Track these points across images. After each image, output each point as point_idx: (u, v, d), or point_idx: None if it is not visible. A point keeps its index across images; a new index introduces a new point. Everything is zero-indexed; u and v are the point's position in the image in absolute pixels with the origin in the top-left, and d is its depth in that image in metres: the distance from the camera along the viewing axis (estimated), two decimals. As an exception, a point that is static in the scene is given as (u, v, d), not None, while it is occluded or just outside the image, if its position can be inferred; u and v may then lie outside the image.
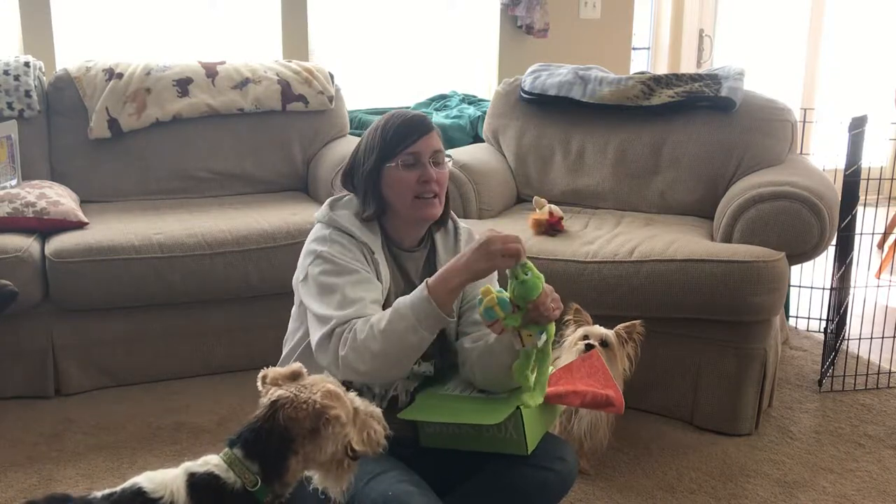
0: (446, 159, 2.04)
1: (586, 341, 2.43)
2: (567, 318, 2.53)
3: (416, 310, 1.79)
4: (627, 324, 2.51)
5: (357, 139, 4.17)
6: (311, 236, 2.03)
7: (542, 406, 1.98)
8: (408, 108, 4.53)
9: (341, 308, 1.88)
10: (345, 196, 2.09)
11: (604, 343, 2.45)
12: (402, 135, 1.98)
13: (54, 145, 3.63)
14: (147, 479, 1.53)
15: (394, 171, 1.97)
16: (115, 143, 3.63)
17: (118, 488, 1.53)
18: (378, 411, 1.64)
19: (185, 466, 1.55)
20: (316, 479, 1.62)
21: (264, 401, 1.58)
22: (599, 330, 2.48)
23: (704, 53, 5.79)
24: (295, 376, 1.62)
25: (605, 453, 2.63)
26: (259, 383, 1.63)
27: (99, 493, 1.52)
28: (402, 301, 1.83)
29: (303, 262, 2.01)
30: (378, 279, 1.97)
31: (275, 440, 1.53)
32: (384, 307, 1.95)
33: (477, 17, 5.01)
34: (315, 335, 1.91)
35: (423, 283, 1.82)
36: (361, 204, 2.03)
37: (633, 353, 2.52)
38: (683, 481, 2.52)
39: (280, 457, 1.53)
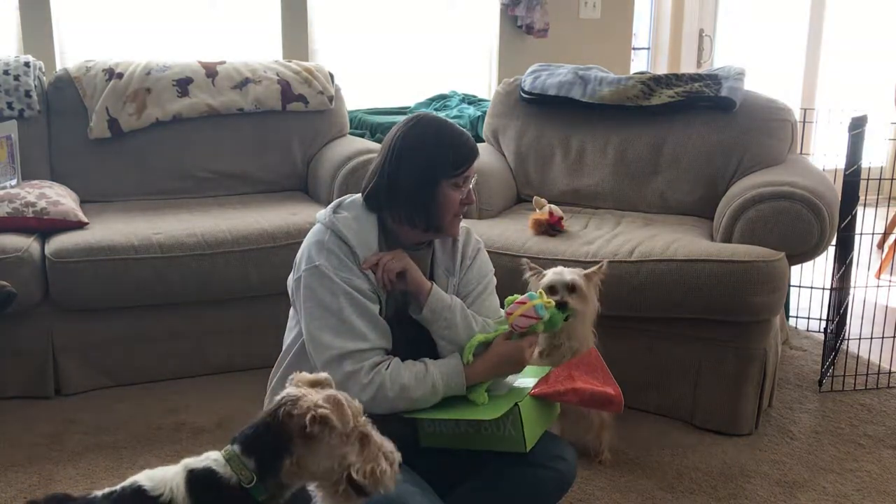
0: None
1: (555, 297, 2.38)
2: (526, 276, 2.55)
3: (448, 387, 1.95)
4: (593, 269, 2.52)
5: (357, 139, 4.17)
6: (309, 236, 2.03)
7: (541, 404, 1.99)
8: (407, 108, 4.52)
9: (339, 336, 1.90)
10: (347, 198, 2.09)
11: (572, 289, 2.44)
12: (466, 155, 2.00)
13: (54, 145, 3.63)
14: (146, 478, 1.52)
15: (447, 188, 1.99)
16: (115, 143, 3.63)
17: (118, 487, 1.53)
18: (392, 449, 1.58)
19: (184, 463, 1.55)
20: (318, 499, 1.60)
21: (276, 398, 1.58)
22: (564, 277, 2.46)
23: (704, 53, 5.79)
24: (316, 383, 1.60)
25: (605, 453, 2.64)
26: (288, 383, 1.63)
27: (99, 493, 1.52)
28: (436, 377, 1.94)
29: (299, 263, 2.01)
30: (374, 291, 1.97)
31: (271, 437, 1.52)
32: (383, 312, 1.99)
33: (477, 17, 5.01)
34: (317, 357, 1.93)
35: (461, 368, 1.96)
36: (408, 217, 2.00)
37: (597, 290, 2.53)
38: (683, 481, 2.52)
39: (274, 454, 1.52)
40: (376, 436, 1.58)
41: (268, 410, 1.55)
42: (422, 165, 1.98)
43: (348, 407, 1.56)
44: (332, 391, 1.58)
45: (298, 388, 1.57)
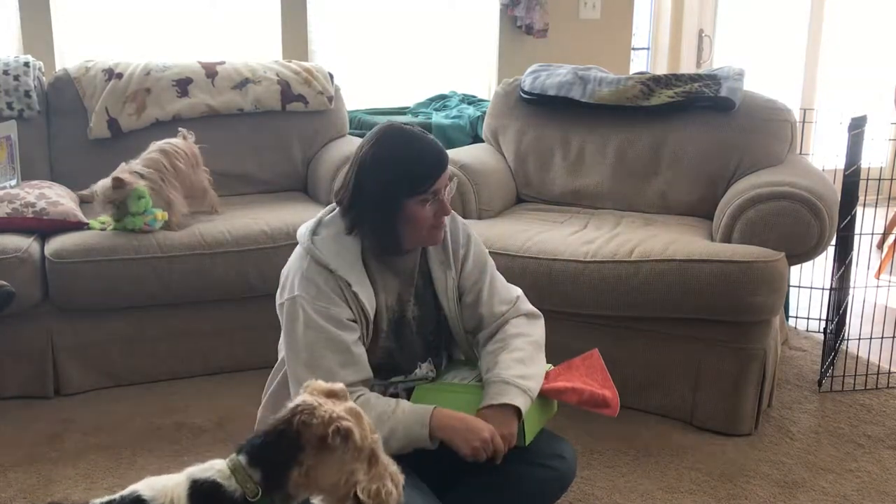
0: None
1: None
2: None
3: (408, 438, 1.87)
4: None
5: (357, 139, 4.18)
6: (291, 260, 2.00)
7: (540, 400, 2.00)
8: (407, 108, 4.52)
9: (310, 371, 1.86)
10: (328, 213, 2.04)
11: None
12: (428, 171, 1.92)
13: (54, 145, 3.63)
14: (147, 487, 1.48)
15: (414, 205, 1.92)
16: (114, 143, 3.63)
17: (116, 496, 1.48)
18: (397, 471, 1.55)
19: (188, 473, 1.50)
20: None
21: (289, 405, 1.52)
22: None
23: (704, 53, 5.79)
24: (332, 394, 1.55)
25: (605, 454, 2.63)
26: (302, 389, 1.58)
27: (97, 501, 1.48)
28: (398, 423, 1.86)
29: (282, 289, 1.98)
30: (362, 314, 1.95)
31: (283, 446, 1.47)
32: (373, 326, 1.97)
33: (477, 17, 5.00)
34: (293, 389, 1.92)
35: (427, 420, 1.86)
36: (373, 236, 1.97)
37: None
38: (683, 482, 2.52)
39: (283, 466, 1.47)
40: (384, 455, 1.54)
41: (280, 418, 1.49)
42: (382, 186, 1.91)
43: (367, 422, 1.53)
44: (350, 403, 1.53)
45: (313, 397, 1.51)
